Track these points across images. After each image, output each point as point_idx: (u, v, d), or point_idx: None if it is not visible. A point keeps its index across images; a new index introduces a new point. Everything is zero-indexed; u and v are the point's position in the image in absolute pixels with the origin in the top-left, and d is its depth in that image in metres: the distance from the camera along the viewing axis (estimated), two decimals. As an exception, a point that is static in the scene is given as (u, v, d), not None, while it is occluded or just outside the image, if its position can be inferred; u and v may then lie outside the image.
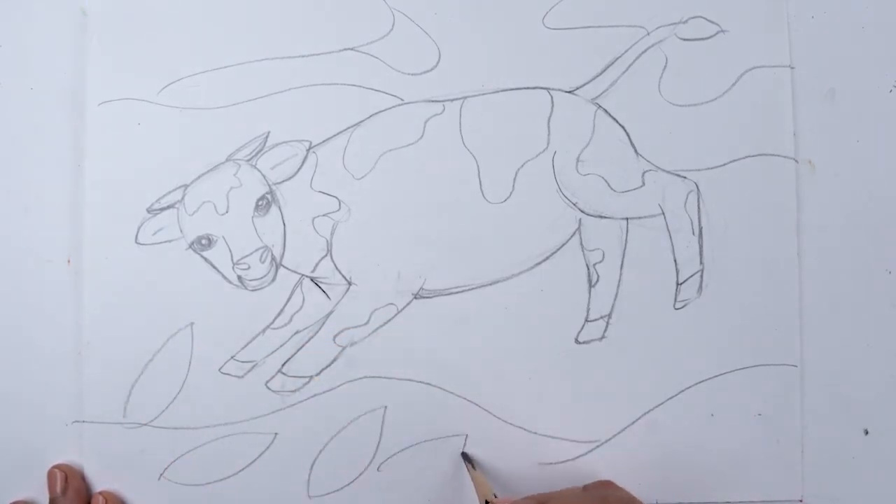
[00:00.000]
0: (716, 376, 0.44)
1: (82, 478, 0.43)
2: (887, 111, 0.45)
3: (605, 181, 0.44)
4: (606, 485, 0.41)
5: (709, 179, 0.44)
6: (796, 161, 0.45)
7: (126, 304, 0.43)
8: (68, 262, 0.44)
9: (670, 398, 0.44)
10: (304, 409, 0.43)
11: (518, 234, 0.44)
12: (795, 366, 0.44)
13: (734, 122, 0.44)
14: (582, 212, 0.44)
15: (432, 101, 0.44)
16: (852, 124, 0.45)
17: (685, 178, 0.44)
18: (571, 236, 0.44)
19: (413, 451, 0.44)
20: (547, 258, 0.44)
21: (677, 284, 0.44)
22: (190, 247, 0.44)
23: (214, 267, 0.44)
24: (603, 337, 0.44)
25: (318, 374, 0.44)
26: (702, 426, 0.44)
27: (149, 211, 0.44)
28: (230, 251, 0.43)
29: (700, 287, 0.44)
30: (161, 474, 0.43)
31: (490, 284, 0.44)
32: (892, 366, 0.44)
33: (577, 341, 0.44)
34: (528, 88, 0.45)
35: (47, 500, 0.43)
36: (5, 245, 0.44)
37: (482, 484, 0.41)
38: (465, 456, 0.43)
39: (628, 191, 0.44)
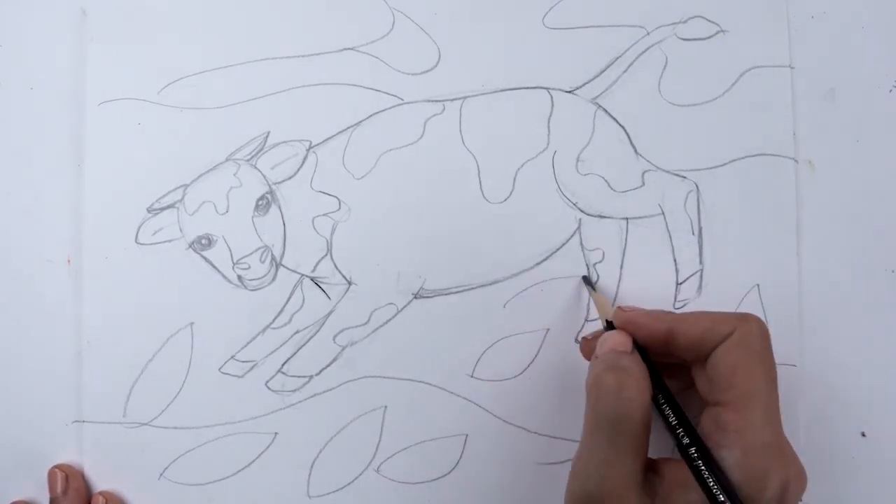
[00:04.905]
0: (716, 376, 0.44)
1: (82, 478, 0.43)
2: (887, 111, 0.45)
3: (605, 181, 0.44)
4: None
5: (709, 179, 0.44)
6: (796, 161, 0.45)
7: (126, 304, 0.44)
8: (68, 262, 0.44)
9: (670, 398, 0.44)
10: (304, 409, 0.43)
11: (518, 234, 0.44)
12: (795, 366, 0.44)
13: (734, 122, 0.44)
14: (582, 212, 0.44)
15: (432, 101, 0.44)
16: (852, 124, 0.45)
17: (685, 178, 0.44)
18: (571, 236, 0.44)
19: (413, 451, 0.44)
20: (547, 258, 0.44)
21: (677, 284, 0.44)
22: (190, 247, 0.44)
23: (214, 267, 0.44)
24: (603, 337, 0.44)
25: (318, 374, 0.44)
26: (702, 426, 0.44)
27: (149, 211, 0.44)
28: (230, 251, 0.43)
29: (700, 287, 0.44)
30: (161, 474, 0.43)
31: (490, 284, 0.44)
32: (892, 366, 0.44)
33: (577, 341, 0.44)
34: (528, 88, 0.44)
35: (47, 500, 0.43)
36: (5, 245, 0.44)
37: (603, 305, 0.41)
38: (585, 279, 0.43)
39: (628, 191, 0.44)
